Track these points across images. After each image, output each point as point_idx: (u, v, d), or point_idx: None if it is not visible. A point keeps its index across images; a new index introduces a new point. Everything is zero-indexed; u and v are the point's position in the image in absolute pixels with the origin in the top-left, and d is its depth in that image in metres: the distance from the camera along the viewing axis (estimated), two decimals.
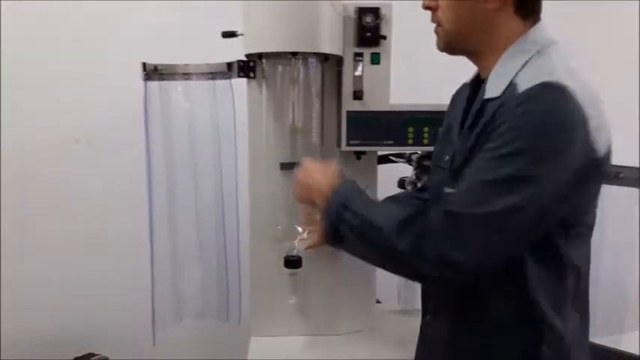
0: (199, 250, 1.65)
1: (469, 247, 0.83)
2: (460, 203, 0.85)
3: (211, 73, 1.46)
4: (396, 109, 1.38)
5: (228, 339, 1.84)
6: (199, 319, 1.70)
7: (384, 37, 1.35)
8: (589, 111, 0.82)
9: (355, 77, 1.36)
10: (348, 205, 0.97)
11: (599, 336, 1.41)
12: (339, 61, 1.38)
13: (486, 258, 0.85)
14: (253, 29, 1.29)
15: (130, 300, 1.92)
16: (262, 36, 1.28)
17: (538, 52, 0.91)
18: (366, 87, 1.36)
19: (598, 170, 0.88)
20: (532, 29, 0.94)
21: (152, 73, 1.44)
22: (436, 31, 1.01)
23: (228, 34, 1.36)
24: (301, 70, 1.33)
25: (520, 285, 0.91)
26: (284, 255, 1.39)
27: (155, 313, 1.58)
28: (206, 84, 1.48)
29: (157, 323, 1.58)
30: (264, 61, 1.36)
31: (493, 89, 0.92)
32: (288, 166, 1.38)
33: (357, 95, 1.35)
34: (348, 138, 1.38)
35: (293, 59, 1.30)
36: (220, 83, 1.47)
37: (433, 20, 1.01)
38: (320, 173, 1.10)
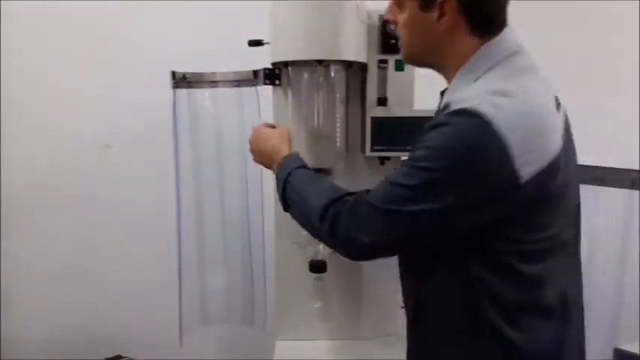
0: (225, 255, 1.68)
1: (372, 233, 0.91)
2: (373, 195, 0.93)
3: (238, 80, 1.50)
4: (420, 115, 1.38)
5: (253, 342, 1.85)
6: (225, 324, 1.73)
7: None
8: (511, 137, 0.81)
9: (379, 84, 1.37)
10: (289, 178, 1.08)
11: (627, 342, 1.40)
12: (363, 67, 1.39)
13: (389, 245, 0.94)
14: (279, 38, 1.32)
15: (158, 303, 1.96)
16: (288, 45, 1.30)
17: (489, 69, 0.90)
18: (390, 93, 1.38)
19: (521, 194, 0.84)
20: (486, 45, 0.92)
21: (181, 81, 1.49)
22: (399, 44, 1.03)
23: (255, 43, 1.39)
24: (326, 77, 1.34)
25: (471, 297, 0.90)
26: (309, 259, 1.40)
27: (182, 317, 1.61)
28: (232, 91, 1.51)
29: (183, 326, 1.61)
30: (289, 68, 1.38)
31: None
32: None
33: (382, 101, 1.37)
34: (373, 144, 1.39)
35: (318, 67, 1.32)
36: (246, 90, 1.50)
37: (396, 33, 1.03)
38: (275, 139, 1.22)
